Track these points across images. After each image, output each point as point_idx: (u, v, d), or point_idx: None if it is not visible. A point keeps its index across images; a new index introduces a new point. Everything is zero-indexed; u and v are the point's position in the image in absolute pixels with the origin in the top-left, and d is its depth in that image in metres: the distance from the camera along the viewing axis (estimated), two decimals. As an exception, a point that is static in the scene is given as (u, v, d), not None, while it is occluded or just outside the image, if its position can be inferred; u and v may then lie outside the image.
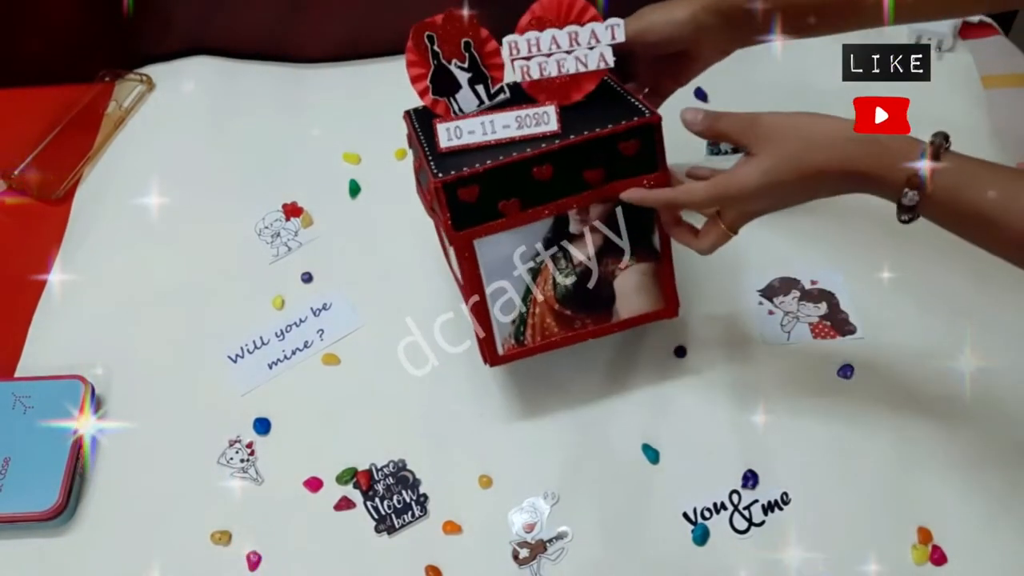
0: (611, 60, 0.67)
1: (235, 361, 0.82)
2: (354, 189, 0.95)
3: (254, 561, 0.70)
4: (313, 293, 0.86)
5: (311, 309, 0.85)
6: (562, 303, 0.72)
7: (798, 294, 0.83)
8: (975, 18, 1.02)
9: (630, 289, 0.72)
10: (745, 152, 0.64)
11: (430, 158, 0.67)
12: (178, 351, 0.83)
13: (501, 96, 0.70)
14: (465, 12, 0.67)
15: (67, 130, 0.99)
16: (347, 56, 1.07)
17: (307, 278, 0.88)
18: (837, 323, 0.81)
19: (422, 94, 0.69)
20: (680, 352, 0.80)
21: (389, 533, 0.72)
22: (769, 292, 0.84)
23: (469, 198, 0.65)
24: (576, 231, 0.69)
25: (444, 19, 0.67)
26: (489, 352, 0.72)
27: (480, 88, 0.69)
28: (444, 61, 0.68)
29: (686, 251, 0.70)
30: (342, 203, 0.94)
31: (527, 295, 0.71)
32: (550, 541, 0.70)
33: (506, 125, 0.66)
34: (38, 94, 1.02)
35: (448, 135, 0.67)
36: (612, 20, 0.67)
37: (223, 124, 1.00)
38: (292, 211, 0.93)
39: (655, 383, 0.78)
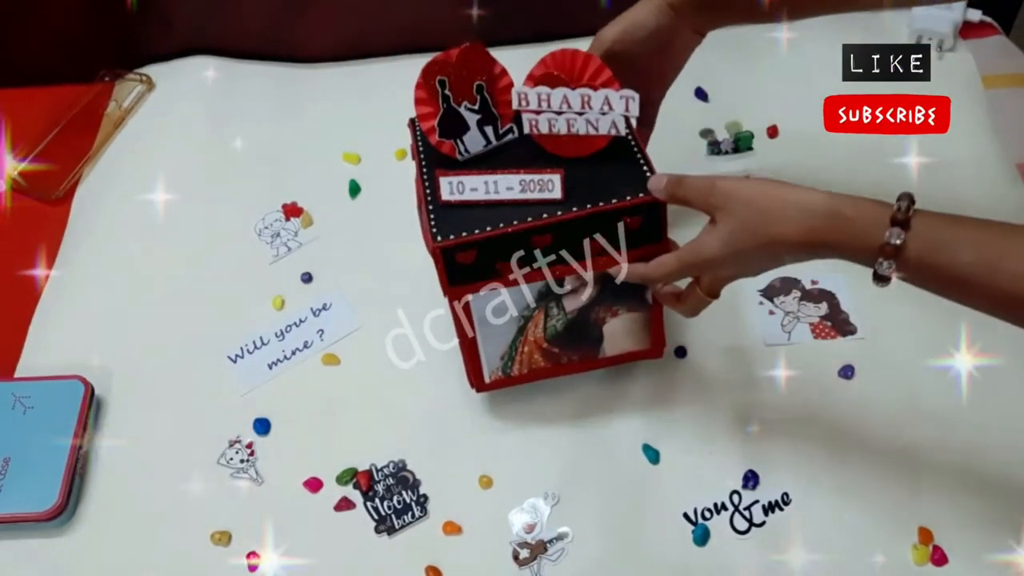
0: (623, 129, 0.65)
1: (235, 361, 0.82)
2: (354, 189, 0.95)
3: (254, 562, 0.70)
4: (313, 293, 0.86)
5: (311, 309, 0.85)
6: (551, 343, 0.72)
7: (799, 294, 0.83)
8: (976, 18, 1.02)
9: (619, 332, 0.73)
10: (709, 221, 0.63)
11: (431, 207, 0.66)
12: (178, 351, 0.83)
13: (509, 136, 0.69)
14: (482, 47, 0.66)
15: (67, 130, 1.00)
16: (347, 56, 1.07)
17: (307, 278, 0.88)
18: (838, 323, 0.81)
19: (428, 133, 0.67)
20: (680, 352, 0.80)
21: (389, 534, 0.72)
22: (770, 292, 0.84)
23: (466, 260, 0.64)
24: (572, 287, 0.69)
25: (460, 55, 0.65)
26: (476, 381, 0.74)
27: (489, 129, 0.68)
28: (454, 105, 0.67)
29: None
30: (342, 203, 0.94)
31: (518, 337, 0.71)
32: (550, 541, 0.70)
33: (509, 187, 0.65)
34: (38, 94, 1.02)
35: (450, 189, 0.65)
36: (627, 92, 0.64)
37: (223, 124, 1.00)
38: (292, 211, 0.93)
39: (655, 383, 0.78)
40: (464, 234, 0.63)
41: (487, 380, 0.74)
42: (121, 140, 1.00)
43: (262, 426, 0.77)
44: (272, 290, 0.87)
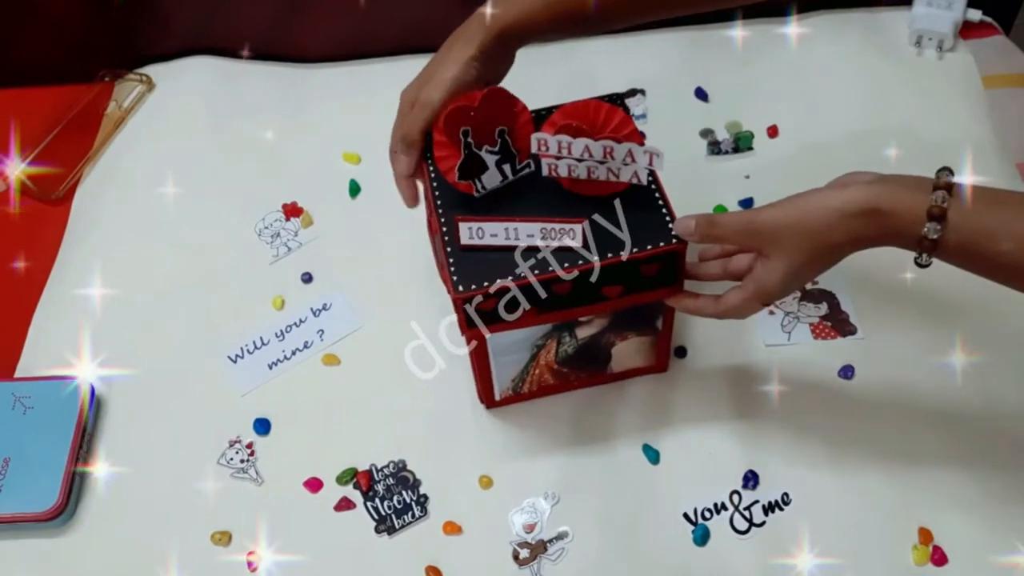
0: (645, 180, 0.64)
1: (235, 361, 0.82)
2: (354, 189, 0.95)
3: (254, 562, 0.70)
4: (313, 293, 0.86)
5: (311, 309, 0.85)
6: (561, 364, 0.74)
7: (799, 294, 0.83)
8: (976, 18, 1.02)
9: (627, 353, 0.75)
10: (756, 253, 0.63)
11: (448, 248, 0.65)
12: (178, 351, 0.83)
13: (526, 171, 0.68)
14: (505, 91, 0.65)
15: (67, 130, 0.99)
16: (347, 56, 1.06)
17: (307, 278, 0.88)
18: (838, 323, 0.81)
19: (446, 173, 0.67)
20: (680, 352, 0.80)
21: (389, 533, 0.72)
22: (769, 292, 0.84)
23: (485, 307, 0.64)
24: (586, 320, 0.70)
25: (483, 100, 0.65)
26: (487, 399, 0.76)
27: (507, 167, 0.67)
28: (476, 150, 0.66)
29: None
30: (342, 203, 0.94)
31: (530, 362, 0.73)
32: (550, 541, 0.70)
33: (530, 235, 0.64)
34: (38, 94, 1.02)
35: (470, 234, 0.64)
36: (651, 147, 0.62)
37: (223, 124, 1.00)
38: (292, 211, 0.93)
39: (655, 383, 0.78)
40: (485, 283, 0.63)
41: (497, 398, 0.76)
42: (121, 140, 1.00)
43: (262, 426, 0.77)
44: (272, 290, 0.87)
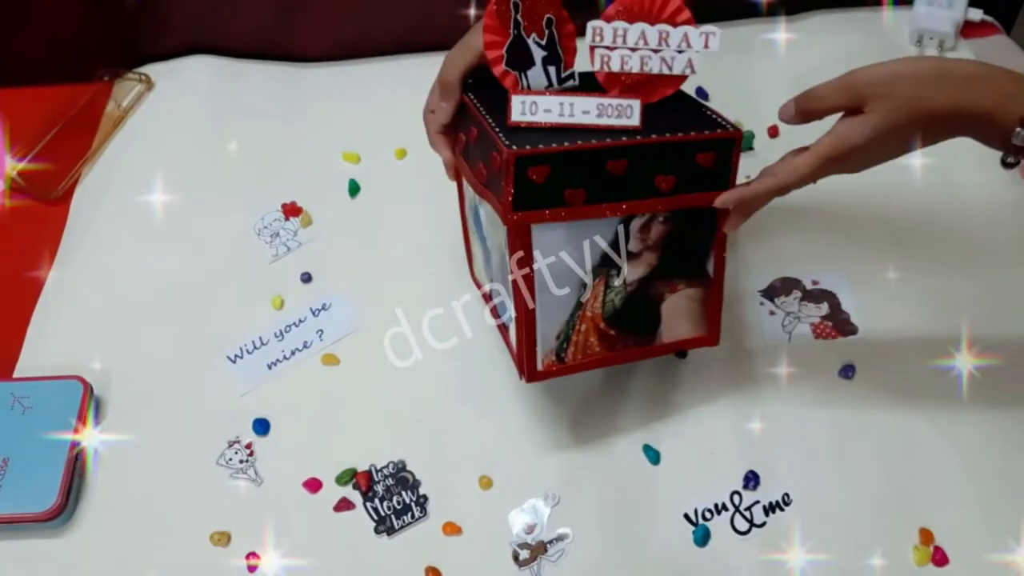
0: (697, 68, 0.63)
1: (234, 361, 0.82)
2: (354, 189, 0.95)
3: (254, 562, 0.70)
4: (312, 293, 0.86)
5: (310, 309, 0.85)
6: (608, 322, 0.69)
7: (799, 294, 0.83)
8: (976, 17, 1.02)
9: (676, 313, 0.71)
10: (846, 112, 0.61)
11: (497, 129, 0.63)
12: (177, 351, 0.82)
13: (570, 83, 0.66)
14: None
15: (66, 130, 0.99)
16: (347, 56, 1.07)
17: (306, 278, 0.87)
18: (838, 323, 0.81)
19: (494, 62, 0.65)
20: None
21: (389, 534, 0.72)
22: (770, 292, 0.83)
23: (537, 178, 0.61)
24: (635, 249, 0.67)
25: None
26: (529, 366, 0.68)
27: (552, 69, 0.66)
28: (524, 34, 0.64)
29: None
30: (342, 203, 0.94)
31: (576, 311, 0.68)
32: (550, 542, 0.70)
33: (585, 111, 0.62)
34: (37, 94, 1.02)
35: (523, 108, 0.63)
36: (707, 27, 0.62)
37: (222, 124, 1.00)
38: (291, 211, 0.93)
39: (655, 383, 0.78)
40: (540, 146, 0.60)
41: (539, 367, 0.68)
42: (120, 140, 1.00)
43: (261, 426, 0.77)
44: (272, 290, 0.86)
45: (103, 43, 1.05)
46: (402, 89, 0.95)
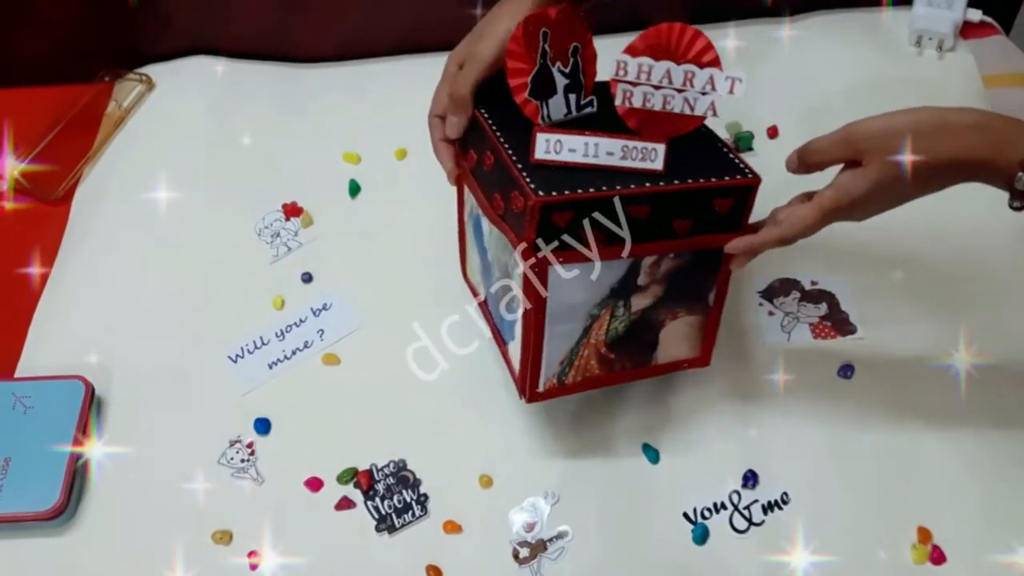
0: (719, 112, 0.63)
1: (235, 361, 0.82)
2: (354, 189, 0.95)
3: (255, 561, 0.70)
4: (313, 293, 0.86)
5: (311, 309, 0.85)
6: (609, 347, 0.70)
7: (798, 295, 0.83)
8: (976, 18, 1.03)
9: (674, 338, 0.72)
10: (846, 165, 0.62)
11: (520, 167, 0.62)
12: (178, 351, 0.83)
13: (588, 109, 0.66)
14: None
15: (67, 130, 0.99)
16: (347, 56, 1.07)
17: (307, 278, 0.88)
18: (837, 323, 0.81)
19: (516, 90, 0.63)
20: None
21: (390, 533, 0.72)
22: (769, 293, 0.84)
23: (560, 222, 0.61)
24: (644, 283, 0.67)
25: (560, 12, 0.62)
26: (531, 389, 0.70)
27: (572, 97, 0.65)
28: (549, 63, 0.63)
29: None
30: (342, 203, 0.94)
31: (582, 338, 0.68)
32: (550, 540, 0.70)
33: (610, 152, 0.61)
34: (38, 94, 1.02)
35: (547, 147, 0.61)
36: (735, 73, 0.62)
37: (223, 124, 1.00)
38: (292, 211, 0.93)
39: (655, 383, 0.78)
40: (566, 192, 0.59)
41: (541, 389, 0.70)
42: (121, 140, 1.00)
43: (262, 426, 0.77)
44: (272, 290, 0.87)
45: (104, 43, 1.05)
46: (402, 89, 0.95)
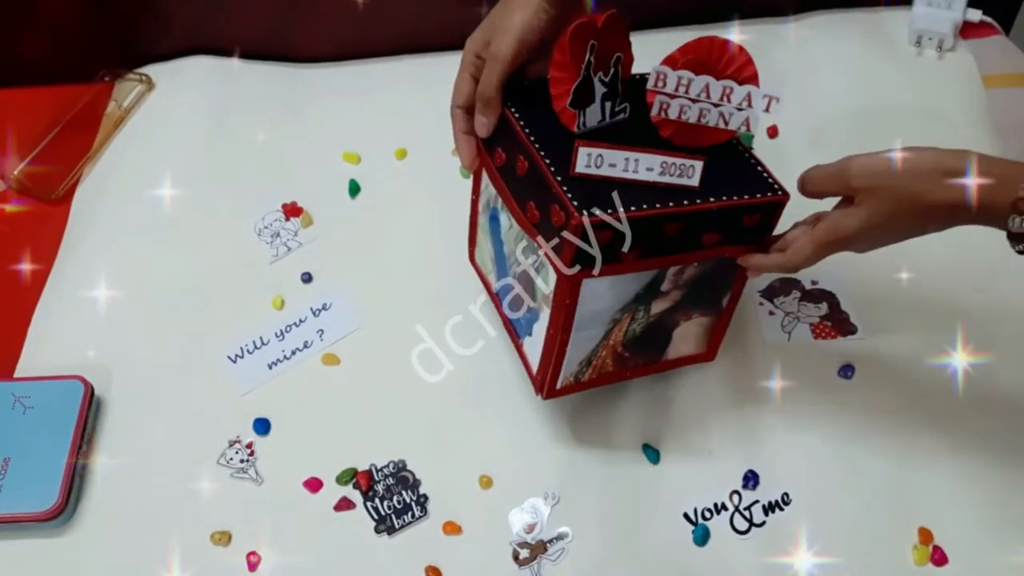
0: (755, 128, 0.63)
1: (235, 361, 0.82)
2: (354, 189, 0.95)
3: (254, 562, 0.70)
4: (313, 293, 0.86)
5: (311, 309, 0.85)
6: (626, 346, 0.71)
7: (799, 294, 0.83)
8: (976, 18, 1.03)
9: (686, 337, 0.73)
10: (843, 199, 0.62)
11: (559, 179, 0.62)
12: (178, 351, 0.82)
13: (620, 116, 0.66)
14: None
15: (67, 130, 0.99)
16: (347, 56, 1.07)
17: (307, 278, 0.88)
18: (838, 323, 0.81)
19: (557, 98, 0.64)
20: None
21: (389, 533, 0.72)
22: (770, 293, 0.84)
23: (600, 241, 0.61)
24: (666, 289, 0.68)
25: (606, 21, 0.62)
26: (549, 387, 0.71)
27: (608, 104, 0.65)
28: (592, 74, 0.63)
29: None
30: (342, 203, 0.94)
31: (603, 340, 0.69)
32: (550, 541, 0.70)
33: (649, 168, 0.62)
34: (38, 94, 1.02)
35: (588, 161, 0.61)
36: (772, 91, 0.62)
37: (223, 124, 1.00)
38: (292, 211, 0.93)
39: (655, 383, 0.78)
40: (610, 211, 0.60)
41: (559, 386, 0.71)
42: (121, 140, 1.00)
43: (262, 426, 0.77)
44: (272, 290, 0.87)
45: (104, 43, 1.05)
46: (402, 89, 0.95)
